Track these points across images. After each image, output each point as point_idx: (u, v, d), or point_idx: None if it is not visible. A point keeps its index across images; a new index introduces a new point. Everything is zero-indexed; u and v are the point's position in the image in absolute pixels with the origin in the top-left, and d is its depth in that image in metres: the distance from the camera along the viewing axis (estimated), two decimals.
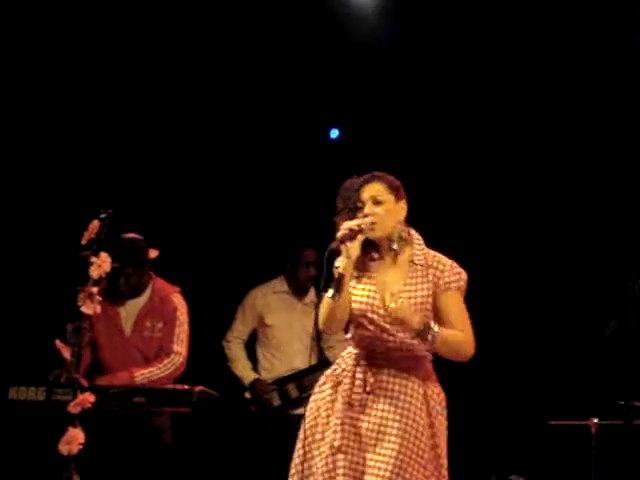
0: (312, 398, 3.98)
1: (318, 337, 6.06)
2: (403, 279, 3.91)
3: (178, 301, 5.41)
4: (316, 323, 6.01)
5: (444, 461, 3.90)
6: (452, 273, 3.92)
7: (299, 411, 6.01)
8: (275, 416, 6.02)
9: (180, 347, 5.36)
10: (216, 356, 6.18)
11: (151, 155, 6.53)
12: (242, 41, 6.32)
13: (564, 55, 6.28)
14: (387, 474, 3.75)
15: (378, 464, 3.78)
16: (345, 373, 3.93)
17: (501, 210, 6.72)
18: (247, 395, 6.10)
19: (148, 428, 5.09)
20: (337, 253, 3.90)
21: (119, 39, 6.16)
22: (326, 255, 3.86)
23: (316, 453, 3.88)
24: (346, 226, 3.88)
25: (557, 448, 6.16)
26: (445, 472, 3.91)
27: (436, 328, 3.82)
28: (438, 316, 3.90)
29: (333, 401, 3.91)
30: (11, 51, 6.06)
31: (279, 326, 6.14)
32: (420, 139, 6.74)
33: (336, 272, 3.85)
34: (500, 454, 6.41)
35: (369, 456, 3.81)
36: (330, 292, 3.85)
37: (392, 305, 3.77)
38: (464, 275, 3.95)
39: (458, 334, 3.89)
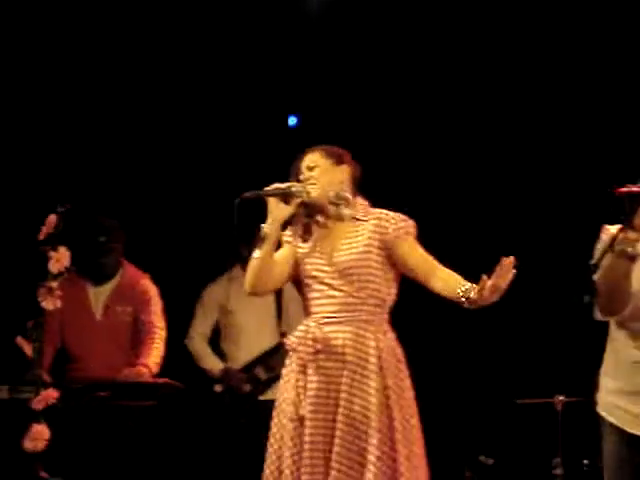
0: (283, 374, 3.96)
1: (279, 317, 6.07)
2: (345, 234, 3.94)
3: (148, 284, 5.44)
4: (278, 303, 6.08)
5: (399, 421, 3.80)
6: (398, 220, 3.93)
7: (269, 396, 6.00)
8: (246, 404, 6.00)
9: (161, 323, 5.38)
10: (178, 356, 6.11)
11: (105, 147, 6.46)
12: (201, 26, 6.28)
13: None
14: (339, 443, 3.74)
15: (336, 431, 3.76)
16: (298, 340, 3.92)
17: (463, 178, 6.67)
18: (217, 388, 6.07)
19: (113, 423, 5.07)
20: (247, 202, 3.88)
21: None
22: (236, 202, 3.83)
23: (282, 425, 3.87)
24: (275, 185, 3.91)
25: (524, 427, 6.19)
26: (402, 426, 3.81)
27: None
28: (404, 267, 3.91)
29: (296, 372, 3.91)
30: None
31: (241, 310, 6.10)
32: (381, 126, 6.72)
33: (261, 233, 3.88)
34: (468, 435, 6.43)
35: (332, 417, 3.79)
36: (256, 252, 3.88)
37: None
38: (411, 222, 3.96)
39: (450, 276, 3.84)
